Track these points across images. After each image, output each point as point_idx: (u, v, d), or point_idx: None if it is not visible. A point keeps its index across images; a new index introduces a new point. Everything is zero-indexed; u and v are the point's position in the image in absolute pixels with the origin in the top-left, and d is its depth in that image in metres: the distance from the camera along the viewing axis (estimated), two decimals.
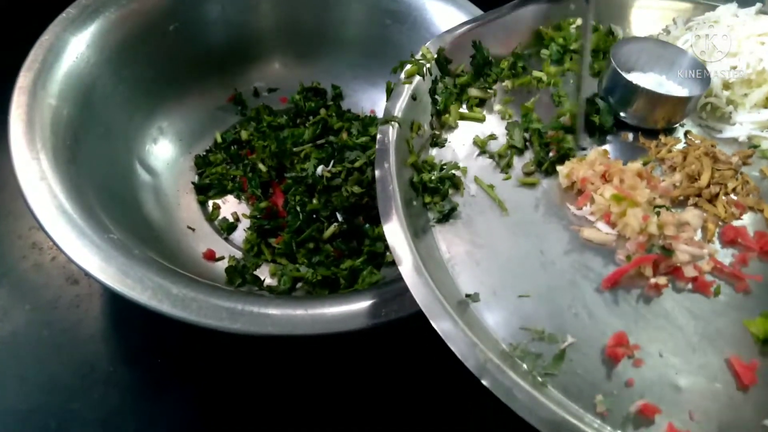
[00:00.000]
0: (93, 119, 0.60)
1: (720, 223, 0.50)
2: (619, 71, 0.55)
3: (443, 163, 0.53)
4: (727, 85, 0.60)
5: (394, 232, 0.44)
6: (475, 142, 0.55)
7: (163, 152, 0.70)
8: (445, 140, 0.55)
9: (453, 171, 0.51)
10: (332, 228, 0.64)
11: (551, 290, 0.44)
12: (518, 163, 0.54)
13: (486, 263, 0.46)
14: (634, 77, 0.56)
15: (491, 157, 0.54)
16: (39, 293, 0.61)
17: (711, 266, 0.46)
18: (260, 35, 0.77)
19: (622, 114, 0.57)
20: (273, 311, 0.47)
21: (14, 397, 0.54)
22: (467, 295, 0.44)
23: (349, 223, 0.65)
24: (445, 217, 0.49)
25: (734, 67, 0.59)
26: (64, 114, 0.56)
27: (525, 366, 0.39)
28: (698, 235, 0.49)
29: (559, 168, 0.52)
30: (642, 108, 0.56)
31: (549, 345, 0.41)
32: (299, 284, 0.62)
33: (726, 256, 0.48)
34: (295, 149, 0.67)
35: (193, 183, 0.70)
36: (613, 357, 0.40)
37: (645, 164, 0.53)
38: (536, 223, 0.49)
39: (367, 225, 0.65)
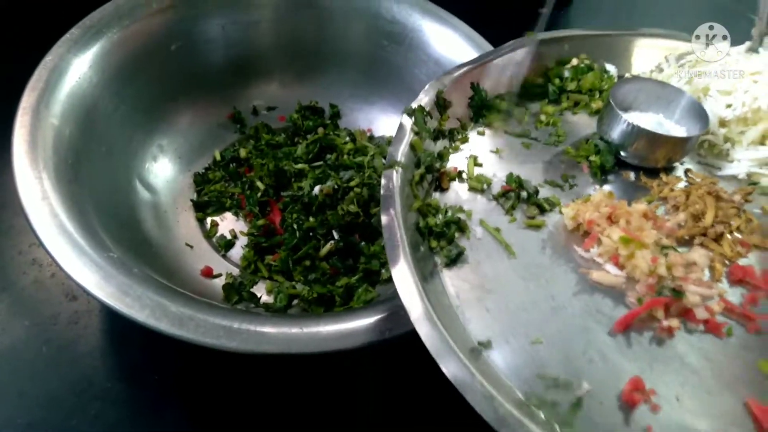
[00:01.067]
0: (94, 138, 0.61)
1: (726, 262, 0.50)
2: (618, 112, 0.56)
3: (447, 206, 0.52)
4: (723, 123, 0.61)
5: (403, 279, 0.44)
6: (472, 188, 0.55)
7: (163, 170, 0.71)
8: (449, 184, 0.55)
9: (458, 215, 0.51)
10: (328, 246, 0.65)
11: (563, 335, 0.44)
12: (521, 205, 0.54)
13: (496, 309, 0.45)
14: (633, 117, 0.57)
15: (495, 199, 0.54)
16: (38, 309, 0.62)
17: (722, 307, 0.46)
18: (259, 55, 0.78)
19: (622, 154, 0.57)
20: (269, 329, 0.48)
21: (13, 411, 0.55)
22: (480, 343, 0.43)
23: (345, 241, 0.66)
24: (453, 261, 0.48)
25: (729, 106, 0.60)
26: (66, 134, 0.57)
27: (542, 415, 0.39)
28: (706, 275, 0.48)
29: (564, 210, 0.52)
30: (642, 148, 0.57)
31: (565, 392, 0.40)
32: (295, 301, 0.63)
33: (735, 296, 0.48)
34: (292, 168, 0.68)
35: (191, 200, 0.71)
36: (630, 403, 0.40)
37: (649, 203, 0.54)
38: (544, 267, 0.49)
39: (363, 243, 0.66)
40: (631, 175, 0.58)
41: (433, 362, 0.41)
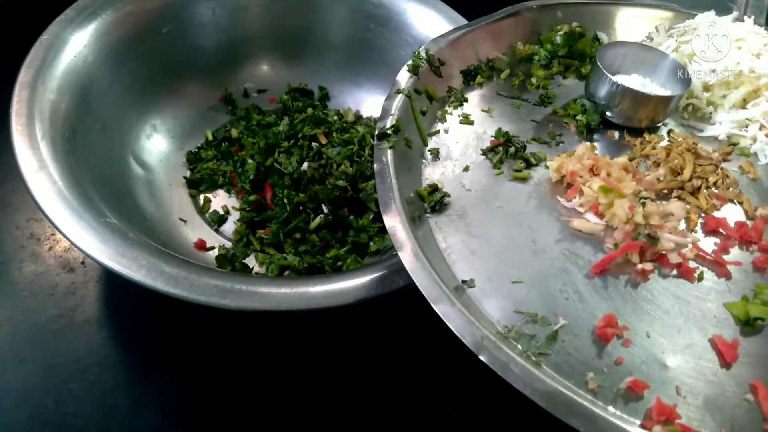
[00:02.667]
0: (89, 114, 0.63)
1: (702, 214, 0.53)
2: (604, 72, 0.59)
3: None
4: (707, 87, 0.63)
5: (394, 220, 0.47)
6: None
7: (157, 148, 0.73)
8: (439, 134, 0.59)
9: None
10: (318, 219, 0.67)
11: (543, 276, 0.47)
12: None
13: (480, 252, 0.48)
14: (619, 78, 0.60)
15: (483, 153, 0.57)
16: (36, 281, 0.64)
17: (694, 254, 0.49)
18: (249, 38, 0.80)
19: (608, 113, 0.60)
20: (260, 289, 0.50)
21: (12, 378, 0.57)
22: (463, 281, 0.46)
23: (335, 215, 0.68)
24: (438, 204, 0.51)
25: (713, 71, 0.63)
26: (63, 108, 0.59)
27: (520, 346, 0.41)
28: (682, 225, 0.52)
29: (549, 163, 0.55)
30: (627, 107, 0.59)
31: (542, 327, 0.43)
32: (286, 272, 0.65)
33: (708, 245, 0.51)
34: (280, 141, 0.70)
35: (185, 178, 0.73)
36: (603, 337, 0.43)
37: (631, 160, 0.56)
38: (528, 215, 0.52)
39: (352, 216, 0.68)
40: (616, 134, 0.61)
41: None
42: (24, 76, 0.58)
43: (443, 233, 0.50)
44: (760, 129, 0.61)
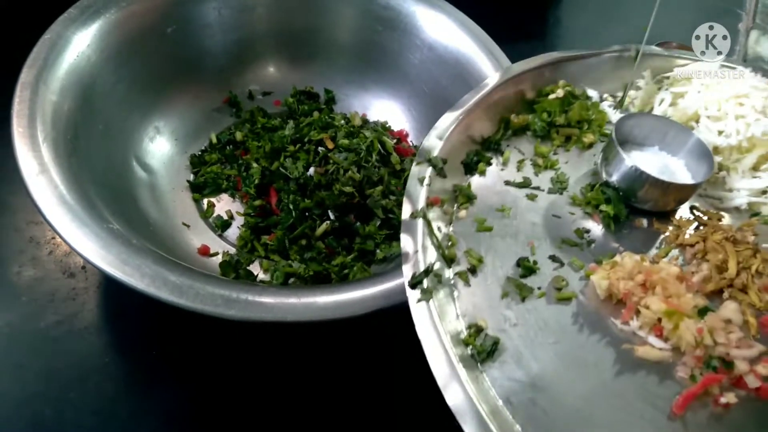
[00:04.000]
0: (92, 116, 0.62)
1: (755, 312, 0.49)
2: (624, 155, 0.54)
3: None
4: (717, 151, 0.60)
5: (455, 392, 0.41)
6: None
7: (160, 151, 0.71)
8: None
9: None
10: (324, 226, 0.66)
11: (628, 427, 0.43)
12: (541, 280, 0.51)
13: (553, 411, 0.42)
14: (637, 157, 0.56)
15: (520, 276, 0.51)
16: (36, 286, 0.62)
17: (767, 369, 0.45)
18: (255, 39, 0.79)
19: (632, 200, 0.56)
20: (266, 299, 0.49)
21: (10, 385, 0.55)
22: None
23: (341, 221, 0.67)
24: (490, 354, 0.45)
25: (721, 132, 0.60)
26: (65, 109, 0.58)
27: None
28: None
29: (593, 277, 0.50)
30: (652, 194, 0.55)
31: None
32: (291, 279, 0.64)
33: None
34: (285, 150, 0.69)
35: (188, 181, 0.72)
36: None
37: (666, 254, 0.53)
38: (587, 348, 0.46)
39: (358, 223, 0.67)
40: (644, 222, 0.56)
41: None
42: (26, 76, 0.57)
43: (505, 390, 0.43)
44: None
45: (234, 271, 0.63)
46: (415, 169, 0.55)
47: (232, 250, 0.67)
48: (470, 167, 0.59)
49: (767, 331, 0.48)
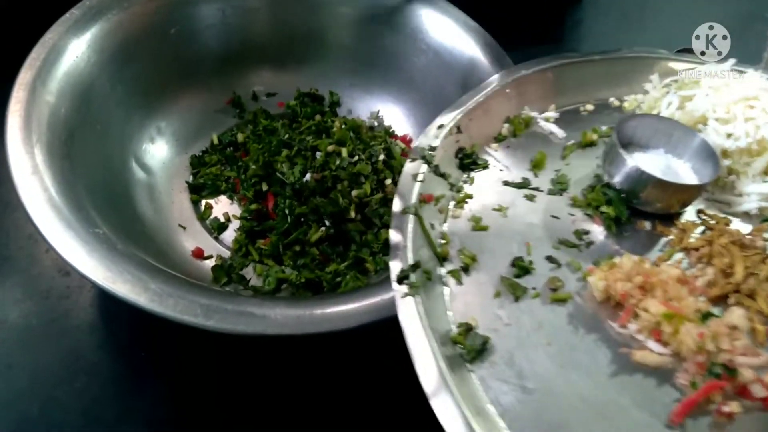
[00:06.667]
0: (90, 117, 0.62)
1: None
2: (625, 156, 0.53)
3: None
4: (726, 154, 0.58)
5: (438, 392, 0.40)
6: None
7: (160, 151, 0.72)
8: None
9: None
10: (319, 232, 0.65)
11: None
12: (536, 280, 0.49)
13: (545, 414, 0.41)
14: (640, 158, 0.54)
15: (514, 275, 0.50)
16: (31, 283, 0.63)
17: None
18: (259, 40, 0.79)
19: (633, 201, 0.54)
20: (248, 310, 0.48)
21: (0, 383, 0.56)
22: None
23: (336, 228, 0.66)
24: (479, 353, 0.44)
25: (730, 135, 0.58)
26: (62, 111, 0.58)
27: None
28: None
29: (590, 279, 0.48)
30: (655, 195, 0.53)
31: None
32: (284, 285, 0.63)
33: None
34: (278, 156, 0.68)
35: (187, 182, 0.72)
36: None
37: (669, 257, 0.51)
38: (582, 351, 0.45)
39: (354, 231, 0.66)
40: (646, 225, 0.55)
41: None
42: (24, 76, 0.58)
43: (493, 391, 0.42)
44: None
45: (226, 275, 0.63)
46: (408, 166, 0.55)
47: (227, 254, 0.66)
48: (467, 166, 0.58)
49: None
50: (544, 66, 0.65)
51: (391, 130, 0.78)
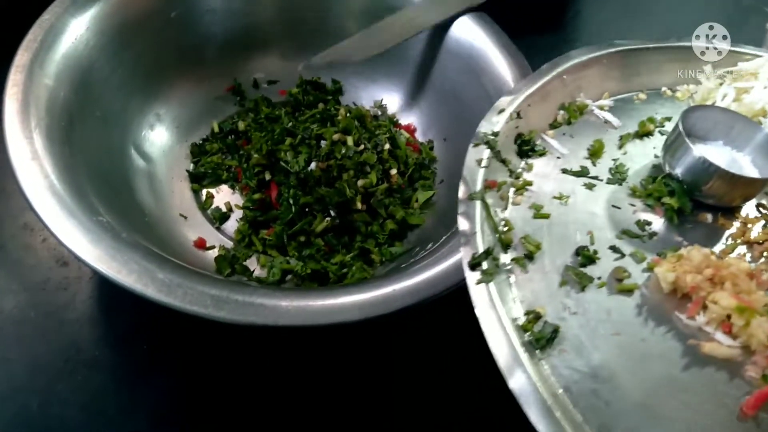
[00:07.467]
0: (89, 102, 0.60)
1: None
2: (691, 145, 0.52)
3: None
4: None
5: (519, 380, 0.40)
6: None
7: (160, 139, 0.70)
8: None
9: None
10: (324, 222, 0.64)
11: (702, 428, 0.40)
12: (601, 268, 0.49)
13: (616, 404, 0.41)
14: (704, 150, 0.54)
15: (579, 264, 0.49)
16: (28, 274, 0.61)
17: None
18: (262, 26, 0.77)
19: (696, 193, 0.54)
20: (259, 301, 0.47)
21: None
22: None
23: (342, 218, 0.64)
24: (549, 341, 0.43)
25: None
26: (60, 95, 0.56)
27: None
28: None
29: (657, 270, 0.48)
30: (719, 188, 0.53)
31: None
32: (288, 276, 0.62)
33: None
34: (282, 145, 0.66)
35: (187, 171, 0.70)
36: None
37: (732, 250, 0.51)
38: (651, 343, 0.45)
39: (360, 222, 0.65)
40: (708, 217, 0.54)
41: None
42: (21, 58, 0.55)
43: (565, 379, 0.41)
44: None
45: (230, 266, 0.61)
46: (472, 151, 0.54)
47: (229, 244, 0.65)
48: (526, 153, 0.57)
49: None
50: (599, 53, 0.64)
51: (395, 119, 0.76)
